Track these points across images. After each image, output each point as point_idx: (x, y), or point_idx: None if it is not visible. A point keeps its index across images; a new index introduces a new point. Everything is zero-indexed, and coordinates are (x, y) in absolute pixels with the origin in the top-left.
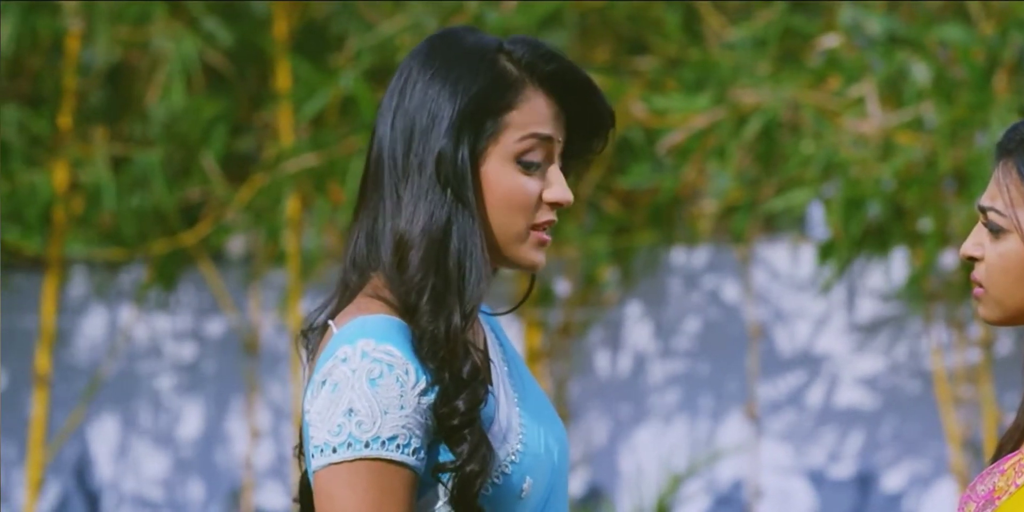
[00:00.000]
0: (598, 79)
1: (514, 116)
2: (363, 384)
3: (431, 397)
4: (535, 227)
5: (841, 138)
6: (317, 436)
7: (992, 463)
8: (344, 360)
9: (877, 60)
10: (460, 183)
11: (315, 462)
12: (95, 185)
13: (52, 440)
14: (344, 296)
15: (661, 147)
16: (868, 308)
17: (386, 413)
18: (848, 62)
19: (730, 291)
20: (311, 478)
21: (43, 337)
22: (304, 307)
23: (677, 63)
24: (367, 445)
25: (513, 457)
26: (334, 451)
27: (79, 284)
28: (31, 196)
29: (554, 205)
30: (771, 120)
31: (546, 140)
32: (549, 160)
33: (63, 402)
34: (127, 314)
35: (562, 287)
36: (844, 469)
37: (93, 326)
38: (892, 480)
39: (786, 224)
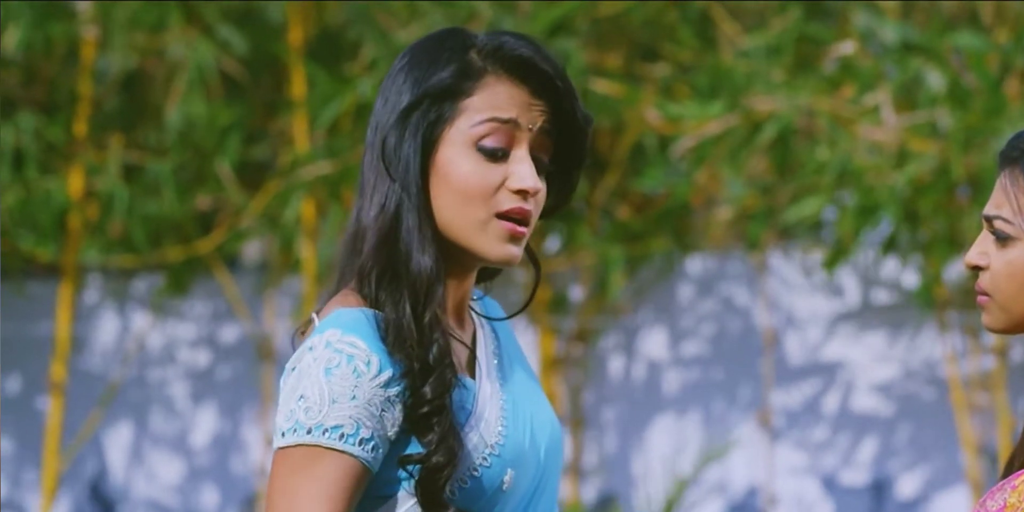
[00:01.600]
0: (611, 86)
1: (471, 101)
2: (319, 373)
3: (396, 389)
4: (500, 216)
5: (855, 145)
6: (276, 421)
7: (1003, 478)
8: (310, 349)
9: (891, 67)
10: (404, 172)
11: (274, 443)
12: (110, 192)
13: (67, 447)
14: (334, 291)
15: (675, 151)
16: (882, 315)
17: (334, 402)
18: (863, 69)
19: (744, 298)
20: None
21: (58, 344)
22: None
23: (691, 70)
24: (309, 432)
25: (492, 449)
26: (282, 435)
27: (94, 291)
28: (46, 203)
29: (520, 193)
30: (785, 127)
31: (507, 123)
32: (514, 146)
33: (78, 409)
34: (142, 321)
35: (576, 294)
36: (859, 476)
37: (108, 333)
38: (907, 487)
39: (801, 231)
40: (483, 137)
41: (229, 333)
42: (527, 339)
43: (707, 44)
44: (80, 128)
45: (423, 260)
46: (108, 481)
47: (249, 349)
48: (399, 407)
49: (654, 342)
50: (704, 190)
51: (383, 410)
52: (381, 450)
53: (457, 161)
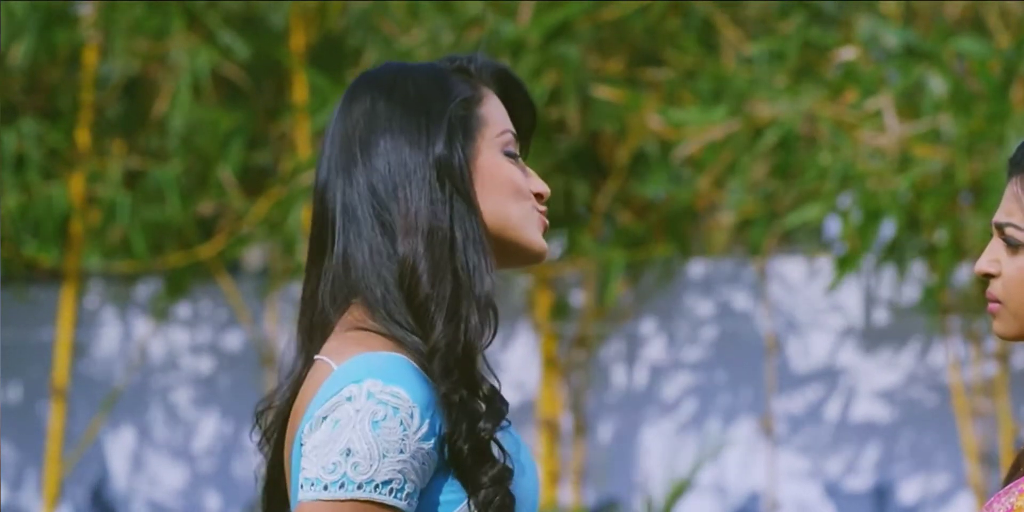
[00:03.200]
0: (613, 92)
1: (488, 110)
2: (365, 426)
3: (432, 441)
4: (536, 209)
5: (858, 151)
6: (309, 469)
7: (1009, 481)
8: (349, 399)
9: (894, 73)
10: (460, 179)
11: (302, 494)
12: (112, 198)
13: (69, 453)
14: (322, 334)
15: (676, 156)
16: (884, 321)
17: (384, 457)
18: (865, 75)
19: (746, 304)
20: (291, 505)
21: (60, 350)
22: None
23: (693, 75)
24: (360, 487)
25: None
26: (325, 488)
27: (96, 297)
28: (48, 209)
29: (538, 196)
30: (788, 133)
31: (514, 135)
32: (518, 153)
33: (80, 415)
34: (144, 327)
35: (578, 299)
36: (861, 482)
37: (110, 339)
38: (909, 493)
39: (803, 237)
40: (506, 144)
41: (231, 339)
42: (529, 344)
43: (709, 50)
44: (82, 134)
45: (489, 275)
46: (110, 487)
47: (251, 355)
48: (435, 457)
49: (656, 347)
50: (706, 195)
51: (423, 463)
52: (416, 502)
53: (497, 163)
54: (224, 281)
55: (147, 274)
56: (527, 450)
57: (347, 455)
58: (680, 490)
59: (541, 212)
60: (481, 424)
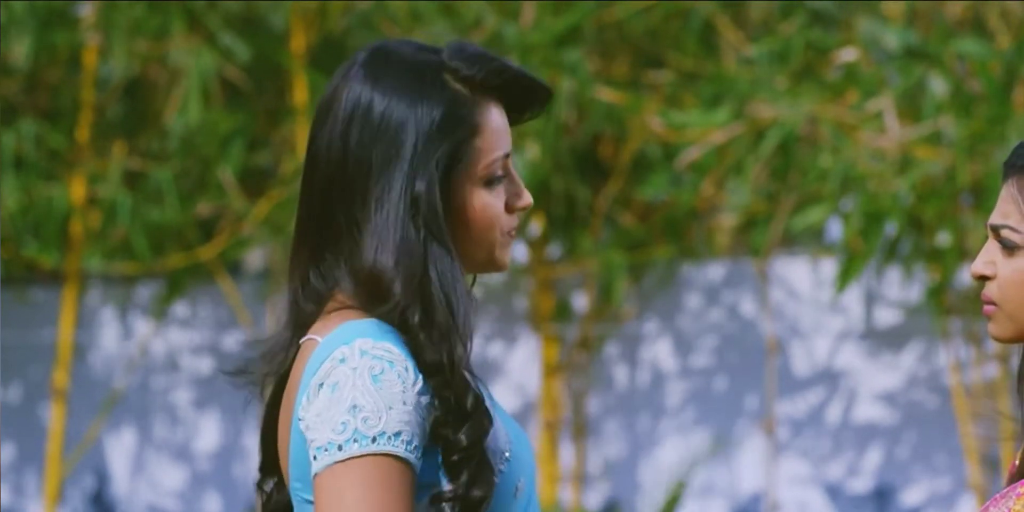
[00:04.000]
0: (615, 94)
1: (478, 142)
2: (366, 381)
3: (427, 396)
4: (502, 234)
5: (859, 152)
6: (319, 437)
7: (1007, 485)
8: (342, 360)
9: (895, 74)
10: (434, 219)
11: (317, 464)
12: (112, 199)
13: (69, 454)
14: (303, 323)
15: (679, 163)
16: (886, 323)
17: (390, 408)
18: (866, 76)
19: (747, 305)
20: (311, 483)
21: (60, 351)
22: None
23: (695, 78)
24: (374, 440)
25: (507, 454)
26: (339, 448)
27: (96, 298)
28: (48, 210)
29: (520, 210)
30: (789, 134)
31: (507, 156)
32: (506, 169)
33: (80, 416)
34: (144, 328)
35: (579, 301)
36: (862, 484)
37: (110, 340)
38: (910, 495)
39: (804, 238)
40: (493, 172)
41: (231, 340)
42: (529, 347)
43: (711, 52)
44: (82, 135)
45: (466, 304)
46: (110, 488)
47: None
48: (429, 414)
49: (657, 349)
50: (707, 197)
51: (423, 417)
52: (420, 460)
53: (472, 198)
54: (224, 282)
55: (147, 275)
56: (521, 433)
57: (354, 411)
58: (677, 493)
59: (511, 230)
60: (460, 437)
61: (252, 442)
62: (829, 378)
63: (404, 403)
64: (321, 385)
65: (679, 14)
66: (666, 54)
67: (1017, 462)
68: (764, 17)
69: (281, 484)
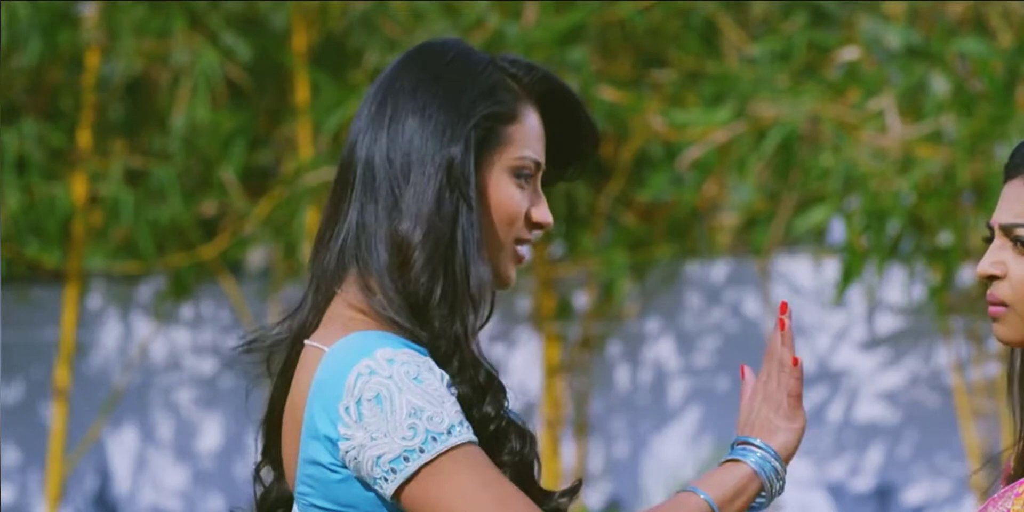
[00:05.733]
0: (616, 93)
1: (516, 130)
2: (409, 385)
3: (453, 390)
4: (517, 241)
5: (860, 151)
6: (388, 451)
7: (1006, 485)
8: (372, 373)
9: (896, 73)
10: (466, 186)
11: (399, 476)
12: (114, 198)
13: (71, 453)
14: (313, 311)
15: (681, 163)
16: (887, 322)
17: (443, 402)
18: (867, 75)
19: (749, 304)
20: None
21: (62, 350)
22: None
23: (696, 77)
24: (449, 432)
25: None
26: (421, 451)
27: (98, 297)
28: (50, 210)
29: (537, 226)
30: (790, 133)
31: (536, 164)
32: (535, 180)
33: (82, 415)
34: (145, 327)
35: (581, 301)
36: (864, 483)
37: (111, 339)
38: (912, 494)
39: (805, 237)
40: (520, 168)
41: (233, 339)
42: (531, 346)
43: (712, 51)
44: (84, 134)
45: (484, 273)
46: (112, 487)
47: (252, 355)
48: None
49: (659, 349)
50: (709, 196)
51: (460, 409)
52: None
53: (500, 184)
54: (226, 282)
55: (149, 275)
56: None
57: (417, 414)
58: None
59: (525, 240)
60: (484, 409)
61: (253, 441)
62: (831, 377)
63: (449, 395)
64: (359, 402)
65: (681, 13)
66: (668, 53)
67: (1012, 463)
68: (766, 16)
69: (282, 479)
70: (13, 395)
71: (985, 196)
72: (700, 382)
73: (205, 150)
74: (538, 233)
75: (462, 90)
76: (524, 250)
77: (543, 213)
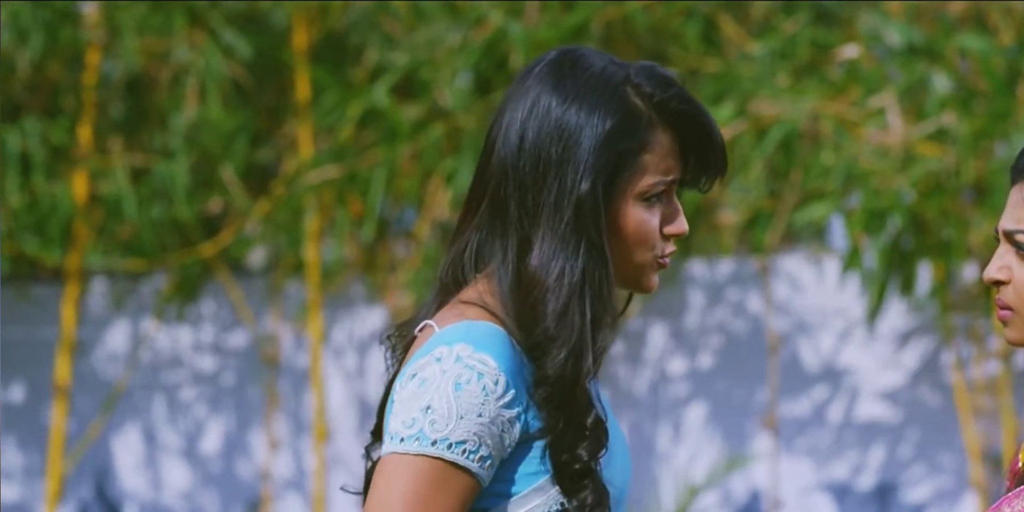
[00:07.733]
0: None
1: (647, 159)
2: (448, 386)
3: (517, 409)
4: (656, 257)
5: (861, 149)
6: (393, 423)
7: (1011, 483)
8: (438, 359)
9: (897, 71)
10: (597, 229)
11: (383, 447)
12: (115, 196)
13: (72, 451)
14: (444, 298)
15: None
16: (889, 320)
17: (462, 418)
18: (868, 73)
19: (751, 303)
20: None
21: (63, 348)
22: (324, 319)
23: (697, 75)
24: (433, 444)
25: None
26: (401, 441)
27: (99, 295)
28: (52, 208)
29: (674, 236)
30: (791, 131)
31: (671, 183)
32: (669, 194)
33: (83, 413)
34: (147, 325)
35: None
36: (865, 481)
37: (113, 337)
38: (913, 492)
39: (807, 235)
40: (654, 190)
41: (234, 338)
42: None
43: (713, 49)
44: (85, 132)
45: (607, 323)
46: (113, 485)
47: (255, 354)
48: (517, 427)
49: (659, 347)
50: (710, 195)
51: (503, 430)
52: (494, 469)
53: (631, 212)
54: (227, 280)
55: (151, 273)
56: (621, 436)
57: (426, 412)
58: (692, 497)
59: (666, 255)
60: (579, 452)
61: (255, 440)
62: (831, 375)
63: (480, 415)
64: (414, 376)
65: (681, 11)
66: (668, 51)
67: (1020, 462)
68: (766, 14)
69: None
70: (14, 393)
71: (986, 194)
72: (699, 380)
73: (206, 148)
74: (673, 242)
75: (591, 118)
76: (664, 262)
77: (676, 226)
